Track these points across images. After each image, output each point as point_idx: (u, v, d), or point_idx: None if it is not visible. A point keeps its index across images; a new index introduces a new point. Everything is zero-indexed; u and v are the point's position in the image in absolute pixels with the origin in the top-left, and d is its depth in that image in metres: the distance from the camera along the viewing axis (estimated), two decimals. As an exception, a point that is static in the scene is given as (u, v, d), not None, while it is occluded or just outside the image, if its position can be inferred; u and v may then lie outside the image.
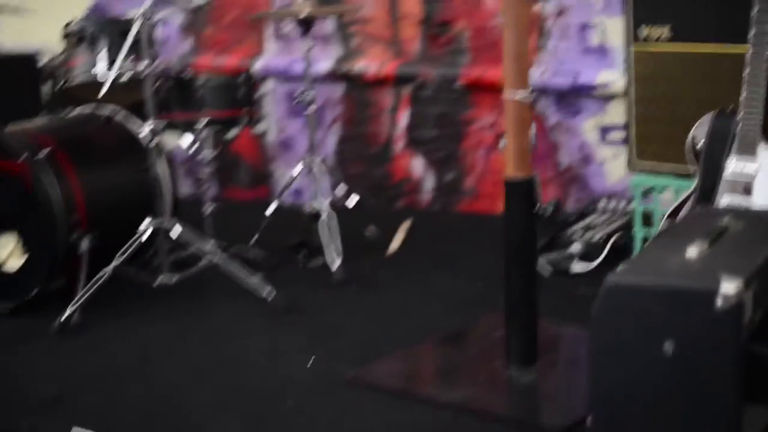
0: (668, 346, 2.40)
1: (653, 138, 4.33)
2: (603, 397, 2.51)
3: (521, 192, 3.32)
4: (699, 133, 3.68)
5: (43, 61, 5.08)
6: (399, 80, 5.75)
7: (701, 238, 2.68)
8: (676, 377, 2.41)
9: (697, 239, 2.67)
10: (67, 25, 4.48)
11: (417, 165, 5.80)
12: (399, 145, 5.83)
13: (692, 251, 2.60)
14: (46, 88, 4.83)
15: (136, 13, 4.32)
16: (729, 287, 2.39)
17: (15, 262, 4.22)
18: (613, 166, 5.20)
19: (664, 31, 4.19)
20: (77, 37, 4.41)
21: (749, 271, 2.49)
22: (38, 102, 5.23)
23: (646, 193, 4.40)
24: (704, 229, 2.78)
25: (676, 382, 2.41)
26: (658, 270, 2.55)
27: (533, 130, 3.32)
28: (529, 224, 3.33)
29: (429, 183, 5.78)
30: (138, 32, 4.26)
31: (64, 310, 4.05)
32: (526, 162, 3.33)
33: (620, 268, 2.56)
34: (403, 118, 5.79)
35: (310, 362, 3.69)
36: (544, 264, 4.45)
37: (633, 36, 4.29)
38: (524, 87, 3.29)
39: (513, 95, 3.29)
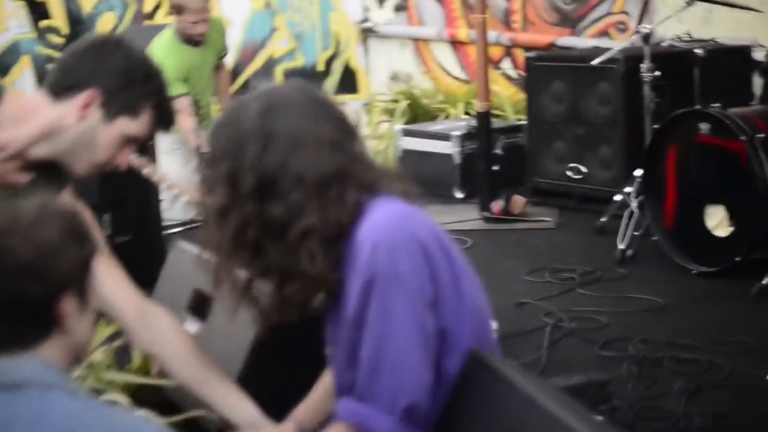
0: None
1: None
2: None
3: None
4: None
5: (757, 54, 5.51)
6: None
7: None
8: None
9: None
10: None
11: None
12: None
13: None
14: (759, 79, 5.25)
15: None
16: None
17: (722, 230, 4.73)
18: None
19: None
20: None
21: None
22: (749, 90, 5.68)
23: None
24: None
25: None
26: None
27: None
28: None
29: None
30: None
31: (764, 276, 4.50)
32: None
33: None
34: None
35: None
36: None
37: None
38: None
39: None
